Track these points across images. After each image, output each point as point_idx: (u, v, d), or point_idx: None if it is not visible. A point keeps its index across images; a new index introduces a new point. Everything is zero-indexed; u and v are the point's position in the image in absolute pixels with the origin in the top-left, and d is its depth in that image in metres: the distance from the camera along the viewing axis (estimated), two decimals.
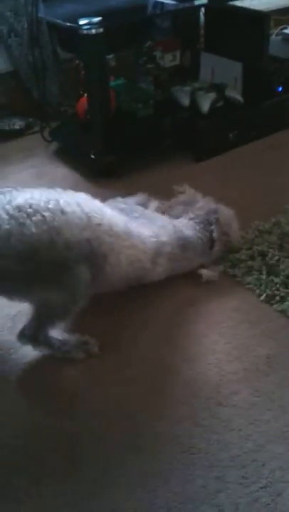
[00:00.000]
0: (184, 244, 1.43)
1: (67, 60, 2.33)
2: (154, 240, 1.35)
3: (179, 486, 1.00)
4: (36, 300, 1.21)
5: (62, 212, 1.15)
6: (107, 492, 1.00)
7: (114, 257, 1.24)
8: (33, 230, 1.10)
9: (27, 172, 2.05)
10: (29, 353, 1.26)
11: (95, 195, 1.69)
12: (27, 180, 2.00)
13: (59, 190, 1.26)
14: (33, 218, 1.11)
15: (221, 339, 1.29)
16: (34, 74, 2.22)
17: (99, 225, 1.20)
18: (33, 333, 1.23)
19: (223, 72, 2.19)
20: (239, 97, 2.12)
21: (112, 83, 2.12)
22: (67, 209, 1.16)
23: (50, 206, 1.14)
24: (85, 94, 1.96)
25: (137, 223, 1.37)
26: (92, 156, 1.93)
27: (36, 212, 1.12)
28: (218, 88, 2.11)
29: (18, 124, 2.30)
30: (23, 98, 2.35)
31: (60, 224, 1.13)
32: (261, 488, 0.99)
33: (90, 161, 1.94)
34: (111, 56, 2.22)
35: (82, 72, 2.06)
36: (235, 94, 2.12)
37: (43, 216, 1.12)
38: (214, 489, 0.99)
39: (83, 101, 2.01)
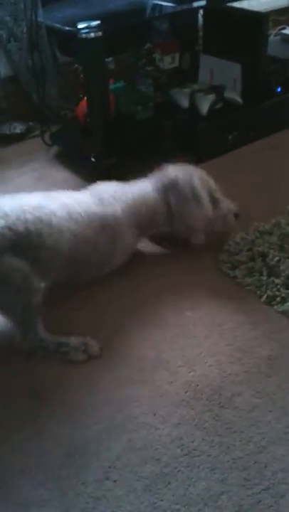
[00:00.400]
0: (132, 213, 1.45)
1: (66, 64, 2.34)
2: (99, 212, 1.38)
3: (181, 488, 1.01)
4: None
5: None
6: (110, 495, 1.00)
7: (53, 239, 1.26)
8: None
9: (28, 176, 2.06)
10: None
11: None
12: (28, 184, 2.01)
13: None
14: None
15: (221, 341, 1.29)
16: (34, 78, 2.23)
17: (13, 207, 1.23)
18: (23, 342, 1.25)
19: (222, 74, 2.20)
20: (238, 98, 2.12)
21: (112, 86, 2.13)
22: None
23: None
24: (85, 98, 1.97)
25: (77, 201, 1.40)
26: (93, 159, 1.93)
27: None
28: (218, 90, 2.11)
29: (18, 128, 2.31)
30: (23, 102, 2.36)
31: None
32: (264, 490, 0.99)
33: (91, 164, 1.95)
34: (110, 59, 2.23)
35: (82, 76, 2.07)
36: (234, 95, 2.13)
37: None
38: (217, 491, 1.00)
39: (83, 104, 2.02)
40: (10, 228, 1.19)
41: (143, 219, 1.48)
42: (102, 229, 1.37)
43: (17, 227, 1.20)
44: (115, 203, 1.41)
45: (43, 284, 1.24)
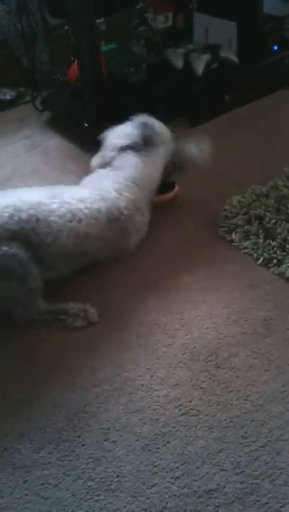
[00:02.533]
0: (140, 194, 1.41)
1: (56, 27, 2.27)
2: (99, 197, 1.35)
3: (180, 447, 1.02)
4: None
5: None
6: (109, 455, 1.02)
7: (51, 238, 1.25)
8: None
9: (20, 143, 2.02)
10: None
11: (88, 164, 1.67)
12: (20, 151, 1.98)
13: None
14: None
15: (218, 304, 1.29)
16: (23, 42, 2.17)
17: (6, 207, 1.22)
18: (21, 317, 1.26)
19: (217, 33, 2.13)
20: (234, 58, 2.07)
21: (103, 48, 2.07)
22: None
23: None
24: (76, 61, 1.92)
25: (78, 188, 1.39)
26: (86, 124, 1.90)
27: None
28: (213, 49, 2.05)
29: (8, 94, 2.26)
30: (13, 67, 2.30)
31: None
32: (261, 447, 1.01)
33: (83, 129, 1.91)
34: (101, 20, 2.16)
35: (72, 38, 2.01)
36: (230, 54, 2.07)
37: None
38: (215, 449, 1.01)
39: (74, 67, 1.97)
40: (3, 228, 1.20)
41: (151, 190, 1.46)
42: (109, 225, 1.33)
43: (11, 226, 1.20)
44: (119, 195, 1.36)
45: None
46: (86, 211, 1.30)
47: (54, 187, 1.36)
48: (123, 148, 1.45)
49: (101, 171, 1.47)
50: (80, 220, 1.28)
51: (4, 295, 1.24)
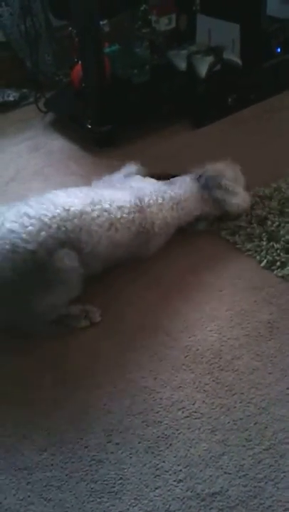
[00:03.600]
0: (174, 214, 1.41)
1: (60, 28, 2.27)
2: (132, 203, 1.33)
3: (183, 450, 1.02)
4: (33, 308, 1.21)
5: (11, 231, 1.15)
6: (112, 457, 1.02)
7: (91, 247, 1.24)
8: None
9: (23, 145, 2.02)
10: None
11: (92, 165, 1.68)
12: (24, 153, 1.98)
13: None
14: None
15: (221, 306, 1.29)
16: (27, 43, 2.17)
17: (53, 217, 1.18)
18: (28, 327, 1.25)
19: (220, 35, 2.13)
20: (237, 60, 2.07)
21: (107, 50, 2.07)
22: (14, 225, 1.15)
23: None
24: (80, 62, 1.92)
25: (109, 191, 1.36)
26: (89, 126, 1.90)
27: None
28: (216, 51, 2.05)
29: (12, 95, 2.26)
30: (17, 69, 2.31)
31: (12, 242, 1.13)
32: (264, 450, 1.01)
33: (87, 130, 1.91)
34: (105, 22, 2.16)
35: (76, 40, 2.01)
36: (233, 56, 2.07)
37: None
38: (218, 452, 1.01)
39: (78, 69, 1.97)
40: (54, 237, 1.17)
41: (186, 217, 1.45)
42: (138, 234, 1.33)
43: (60, 237, 1.18)
44: (155, 205, 1.36)
45: None
46: (122, 221, 1.29)
47: (93, 190, 1.34)
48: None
49: (147, 179, 1.47)
50: (116, 230, 1.28)
51: (53, 304, 1.22)
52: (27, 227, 1.15)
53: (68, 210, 1.21)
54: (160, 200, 1.37)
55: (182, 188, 1.44)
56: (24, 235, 1.14)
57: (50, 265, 1.15)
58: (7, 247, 1.13)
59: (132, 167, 1.56)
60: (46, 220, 1.17)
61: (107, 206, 1.28)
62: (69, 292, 1.22)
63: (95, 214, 1.25)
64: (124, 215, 1.29)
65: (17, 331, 1.25)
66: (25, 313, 1.20)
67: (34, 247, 1.14)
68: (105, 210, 1.27)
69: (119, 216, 1.28)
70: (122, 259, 1.37)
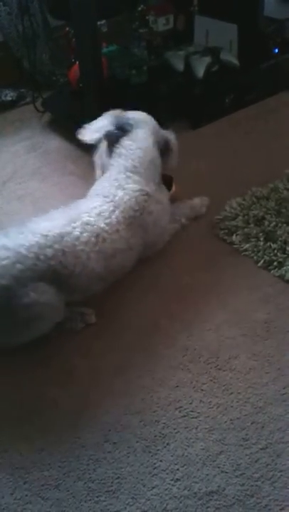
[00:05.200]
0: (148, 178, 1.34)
1: (57, 28, 2.27)
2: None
3: (180, 449, 1.02)
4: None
5: None
6: (110, 457, 1.02)
7: (71, 256, 1.18)
8: None
9: (21, 144, 2.02)
10: None
11: (89, 165, 1.67)
12: (21, 153, 1.98)
13: None
14: None
15: (219, 306, 1.29)
16: (24, 43, 2.17)
17: (31, 246, 1.14)
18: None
19: (218, 35, 2.13)
20: (235, 61, 2.07)
21: (105, 50, 2.07)
22: None
23: None
24: (77, 62, 1.92)
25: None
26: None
27: None
28: (213, 52, 2.06)
29: (9, 95, 2.25)
30: (14, 69, 2.30)
31: None
32: (261, 449, 1.01)
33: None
34: (102, 22, 2.16)
35: (74, 40, 2.01)
36: (230, 57, 2.07)
37: None
38: (215, 451, 1.01)
39: (75, 69, 1.97)
40: (31, 269, 1.12)
41: (154, 171, 1.37)
42: (130, 229, 1.26)
43: (39, 266, 1.13)
44: (124, 193, 1.29)
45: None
46: (107, 228, 1.22)
47: (67, 208, 1.27)
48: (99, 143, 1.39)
49: (104, 176, 1.40)
50: (104, 240, 1.22)
51: (33, 336, 1.18)
52: (2, 260, 1.11)
53: (47, 235, 1.16)
54: (117, 183, 1.30)
55: (120, 157, 1.35)
56: None
57: (24, 302, 1.11)
58: None
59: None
60: (23, 250, 1.13)
61: (86, 219, 1.22)
62: (48, 324, 1.18)
63: (76, 232, 1.19)
64: (107, 221, 1.23)
65: None
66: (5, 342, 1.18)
67: (8, 281, 1.10)
68: (87, 224, 1.21)
69: (102, 225, 1.22)
70: (128, 267, 1.31)
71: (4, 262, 1.11)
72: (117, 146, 1.37)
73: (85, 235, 1.20)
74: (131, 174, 1.32)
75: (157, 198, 1.34)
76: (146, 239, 1.33)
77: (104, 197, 1.28)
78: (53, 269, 1.15)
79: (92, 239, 1.20)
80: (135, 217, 1.28)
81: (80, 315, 1.28)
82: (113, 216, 1.25)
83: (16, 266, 1.11)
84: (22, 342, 1.18)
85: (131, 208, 1.27)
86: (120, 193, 1.28)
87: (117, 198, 1.28)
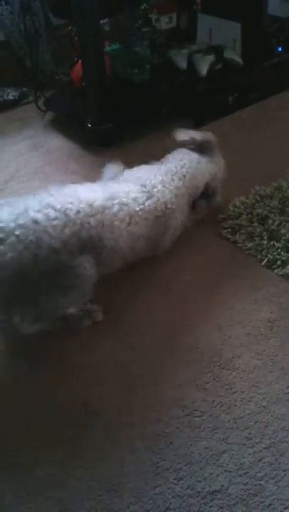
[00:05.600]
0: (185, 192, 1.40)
1: (60, 27, 2.27)
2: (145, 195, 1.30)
3: (183, 448, 1.02)
4: (45, 309, 1.17)
5: (35, 222, 1.09)
6: (112, 456, 1.01)
7: (113, 242, 1.21)
8: (10, 254, 1.06)
9: (23, 144, 2.02)
10: None
11: (92, 164, 1.68)
12: (23, 151, 1.97)
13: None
14: (7, 241, 1.06)
15: (222, 304, 1.29)
16: (26, 42, 2.17)
17: (78, 212, 1.14)
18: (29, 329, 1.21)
19: (221, 34, 2.13)
20: (238, 59, 2.07)
21: (107, 48, 2.07)
22: (38, 216, 1.10)
23: (20, 222, 1.08)
24: (80, 61, 1.92)
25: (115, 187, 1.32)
26: (89, 125, 1.90)
27: (8, 234, 1.06)
28: (217, 50, 2.06)
29: (11, 94, 2.26)
30: (16, 68, 2.30)
31: (36, 235, 1.08)
32: (265, 448, 1.00)
33: (87, 129, 1.91)
34: (105, 21, 2.17)
35: (76, 38, 2.01)
36: (234, 55, 2.07)
37: (16, 235, 1.07)
38: (218, 450, 1.01)
39: (78, 68, 1.97)
40: (77, 236, 1.13)
41: (196, 190, 1.44)
42: (156, 222, 1.30)
43: (83, 235, 1.14)
44: (164, 188, 1.33)
45: None
46: (140, 213, 1.26)
47: (107, 184, 1.32)
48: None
49: (145, 166, 1.44)
50: (136, 223, 1.25)
51: (63, 306, 1.19)
52: (52, 220, 1.10)
53: (92, 205, 1.17)
54: (162, 177, 1.34)
55: (177, 159, 1.42)
56: (49, 229, 1.09)
57: (71, 269, 1.12)
58: (30, 238, 1.07)
59: (113, 168, 1.52)
60: (71, 214, 1.13)
61: (124, 200, 1.25)
62: (81, 298, 1.20)
63: (115, 209, 1.22)
64: (141, 206, 1.27)
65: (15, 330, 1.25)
66: (30, 307, 1.15)
67: (58, 245, 1.09)
68: (124, 204, 1.24)
69: (137, 209, 1.26)
70: (140, 254, 1.34)
71: (55, 223, 1.10)
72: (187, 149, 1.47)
73: (121, 213, 1.22)
74: (177, 180, 1.37)
75: (183, 210, 1.40)
76: (161, 239, 1.36)
77: (142, 185, 1.32)
78: (92, 240, 1.16)
79: (127, 218, 1.23)
80: (164, 215, 1.31)
81: (88, 312, 1.27)
82: (147, 204, 1.28)
83: (65, 230, 1.11)
84: (47, 314, 1.16)
85: (163, 204, 1.31)
86: (160, 187, 1.32)
87: (155, 190, 1.31)
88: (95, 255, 1.18)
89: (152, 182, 1.32)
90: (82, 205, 1.15)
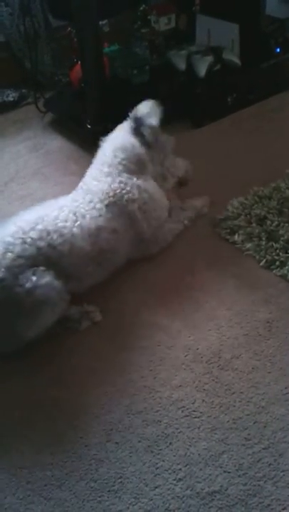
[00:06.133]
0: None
1: (59, 28, 2.28)
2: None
3: (183, 448, 1.02)
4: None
5: None
6: (112, 456, 1.02)
7: (68, 245, 1.21)
8: None
9: (23, 145, 2.02)
10: None
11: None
12: (23, 153, 1.98)
13: None
14: None
15: (221, 305, 1.29)
16: (26, 44, 2.17)
17: (16, 232, 1.17)
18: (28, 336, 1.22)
19: (219, 35, 2.13)
20: (237, 60, 2.07)
21: (106, 49, 2.07)
22: None
23: None
24: (79, 62, 1.92)
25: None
26: (88, 126, 1.90)
27: None
28: (215, 51, 2.05)
29: (11, 95, 2.26)
30: (16, 69, 2.31)
31: None
32: (264, 449, 1.01)
33: (86, 130, 1.91)
34: (104, 22, 2.17)
35: (75, 40, 2.01)
36: (232, 56, 2.07)
37: None
38: (218, 451, 1.01)
39: (77, 69, 1.97)
40: (22, 256, 1.14)
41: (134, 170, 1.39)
42: (109, 210, 1.29)
43: (29, 251, 1.15)
44: (105, 176, 1.35)
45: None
46: (82, 205, 1.28)
47: (43, 203, 1.34)
48: None
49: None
50: (83, 216, 1.25)
51: (45, 325, 1.19)
52: None
53: (28, 220, 1.20)
54: (106, 169, 1.35)
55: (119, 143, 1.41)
56: None
57: (27, 287, 1.12)
58: None
59: None
60: (9, 239, 1.15)
61: (62, 203, 1.28)
62: (55, 311, 1.18)
63: (55, 213, 1.23)
64: (81, 201, 1.29)
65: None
66: (17, 340, 1.18)
67: (2, 273, 1.11)
68: (62, 206, 1.26)
69: (76, 204, 1.28)
70: (123, 252, 1.33)
71: None
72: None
73: (62, 214, 1.24)
74: (122, 163, 1.37)
75: (147, 191, 1.37)
76: (139, 229, 1.35)
77: (83, 184, 1.37)
78: (43, 252, 1.17)
79: (71, 215, 1.25)
80: (114, 203, 1.31)
81: (86, 313, 1.28)
82: (86, 198, 1.30)
83: (7, 255, 1.13)
84: (32, 336, 1.18)
85: (108, 192, 1.32)
86: (103, 179, 1.34)
87: (95, 185, 1.34)
88: (54, 267, 1.17)
89: (92, 179, 1.36)
90: (17, 226, 1.18)
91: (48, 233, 1.19)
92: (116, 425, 1.07)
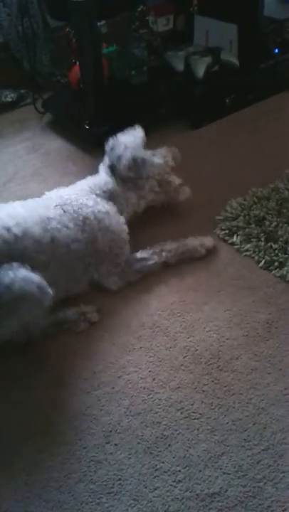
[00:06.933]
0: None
1: (57, 29, 2.27)
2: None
3: (182, 450, 1.02)
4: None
5: None
6: (111, 458, 1.02)
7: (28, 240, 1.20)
8: None
9: (21, 145, 2.02)
10: None
11: (90, 166, 1.67)
12: (22, 153, 1.98)
13: None
14: None
15: (220, 306, 1.29)
16: (24, 44, 2.17)
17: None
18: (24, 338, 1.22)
19: (218, 35, 2.13)
20: (235, 61, 2.07)
21: (105, 50, 2.07)
22: None
23: None
24: (77, 63, 1.92)
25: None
26: (86, 126, 1.90)
27: None
28: (214, 52, 2.06)
29: (9, 96, 2.25)
30: (14, 70, 2.30)
31: None
32: (263, 450, 1.01)
33: (85, 131, 1.91)
34: (102, 23, 2.16)
35: (74, 40, 2.01)
36: (230, 57, 2.07)
37: None
38: (217, 453, 1.01)
39: (75, 70, 1.97)
40: None
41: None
42: (67, 210, 1.30)
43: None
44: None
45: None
46: (40, 202, 1.33)
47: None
48: None
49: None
50: (49, 219, 1.25)
51: (23, 323, 1.17)
52: None
53: None
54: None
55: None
56: None
57: (5, 281, 1.09)
58: None
59: None
60: None
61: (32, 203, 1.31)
62: (35, 306, 1.14)
63: (23, 213, 1.23)
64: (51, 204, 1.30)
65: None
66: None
67: None
68: (25, 204, 1.29)
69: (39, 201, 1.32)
70: (82, 263, 1.31)
71: None
72: None
73: (22, 209, 1.26)
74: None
75: (99, 202, 1.37)
76: (92, 237, 1.31)
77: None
78: (14, 248, 1.17)
79: (29, 210, 1.27)
80: (69, 203, 1.32)
81: (83, 314, 1.27)
82: (46, 201, 1.35)
83: None
84: (12, 330, 1.16)
85: (62, 197, 1.36)
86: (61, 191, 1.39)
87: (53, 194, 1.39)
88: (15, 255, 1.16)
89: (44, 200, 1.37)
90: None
91: (7, 227, 1.18)
92: (115, 427, 1.06)
